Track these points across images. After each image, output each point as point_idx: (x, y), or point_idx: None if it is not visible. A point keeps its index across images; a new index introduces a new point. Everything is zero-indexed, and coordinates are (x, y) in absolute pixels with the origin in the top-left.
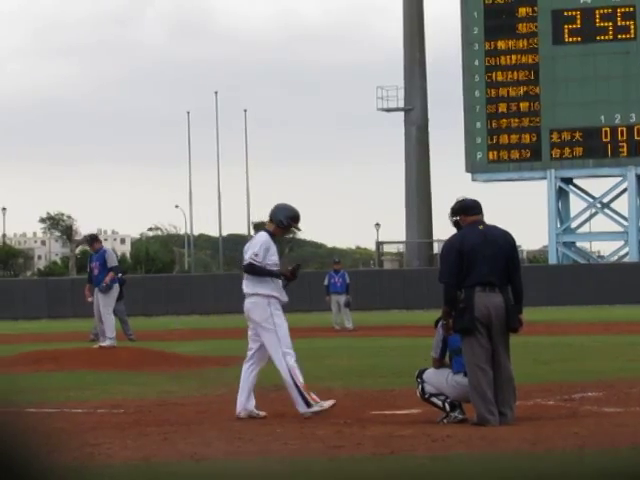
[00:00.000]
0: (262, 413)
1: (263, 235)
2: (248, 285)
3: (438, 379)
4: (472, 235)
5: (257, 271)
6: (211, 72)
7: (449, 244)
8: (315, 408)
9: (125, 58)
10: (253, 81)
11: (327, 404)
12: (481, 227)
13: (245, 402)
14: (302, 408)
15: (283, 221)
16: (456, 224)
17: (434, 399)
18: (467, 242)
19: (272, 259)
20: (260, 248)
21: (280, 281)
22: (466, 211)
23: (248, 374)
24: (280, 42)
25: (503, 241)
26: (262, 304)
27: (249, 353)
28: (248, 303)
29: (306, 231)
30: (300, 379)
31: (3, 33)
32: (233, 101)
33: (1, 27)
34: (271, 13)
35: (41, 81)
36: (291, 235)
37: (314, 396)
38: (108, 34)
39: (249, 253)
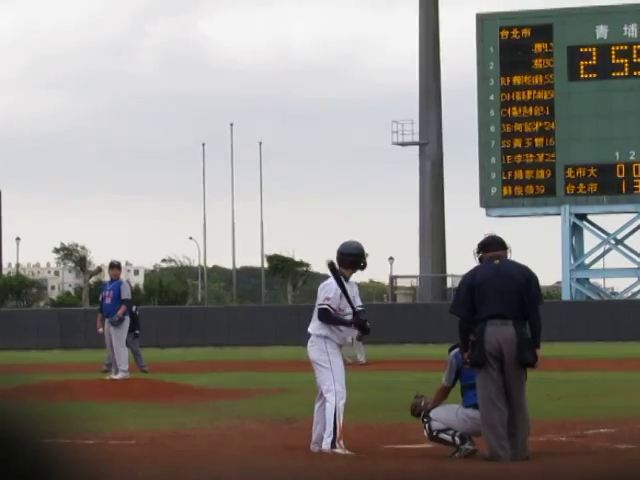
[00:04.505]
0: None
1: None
2: (312, 327)
3: (447, 414)
4: (485, 269)
5: (330, 319)
6: (219, 105)
7: (463, 279)
8: (337, 450)
9: (124, 90)
10: (265, 114)
11: (348, 453)
12: (497, 262)
13: (318, 437)
14: (326, 445)
15: (343, 259)
16: (480, 260)
17: (443, 435)
18: (478, 276)
19: (344, 303)
20: (335, 293)
21: (346, 329)
22: (485, 247)
23: (320, 412)
24: (290, 76)
25: (518, 275)
26: (319, 343)
27: (319, 393)
28: (309, 343)
29: (319, 264)
30: (341, 422)
31: None
32: (246, 133)
33: None
34: (266, 46)
35: (41, 113)
36: (304, 268)
37: (342, 442)
38: (105, 66)
39: (322, 297)
